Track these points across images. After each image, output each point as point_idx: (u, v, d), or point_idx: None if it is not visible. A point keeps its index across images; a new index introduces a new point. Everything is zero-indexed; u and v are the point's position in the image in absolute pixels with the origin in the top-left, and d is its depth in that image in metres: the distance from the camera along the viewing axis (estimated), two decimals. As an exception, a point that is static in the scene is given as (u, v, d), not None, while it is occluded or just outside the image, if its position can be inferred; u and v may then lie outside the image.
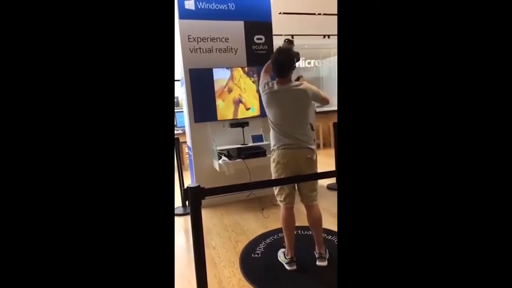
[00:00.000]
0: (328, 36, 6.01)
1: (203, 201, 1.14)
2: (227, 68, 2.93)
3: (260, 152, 2.90)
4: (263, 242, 2.17)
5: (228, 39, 2.97)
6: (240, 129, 3.01)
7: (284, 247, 1.90)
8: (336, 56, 5.92)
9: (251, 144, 3.01)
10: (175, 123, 4.88)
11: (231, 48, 3.00)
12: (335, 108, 5.24)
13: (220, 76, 2.91)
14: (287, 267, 1.80)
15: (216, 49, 2.95)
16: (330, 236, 2.15)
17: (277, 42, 3.43)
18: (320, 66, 7.02)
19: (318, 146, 6.03)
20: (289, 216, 1.81)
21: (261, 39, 3.09)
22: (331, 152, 4.48)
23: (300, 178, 1.77)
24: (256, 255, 2.01)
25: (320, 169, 1.77)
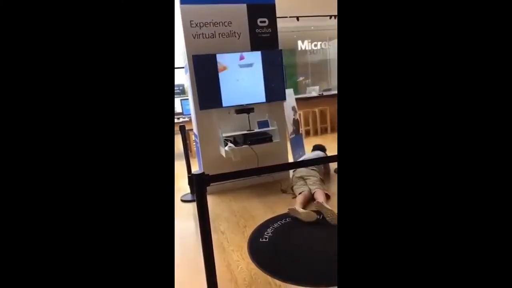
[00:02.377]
0: (335, 16, 5.84)
1: (211, 188, 1.16)
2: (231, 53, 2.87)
3: (266, 138, 2.88)
4: (270, 227, 2.19)
5: (231, 23, 2.91)
6: (245, 115, 2.98)
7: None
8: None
9: (257, 130, 2.99)
10: (182, 111, 4.91)
11: (234, 33, 2.93)
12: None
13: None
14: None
15: (219, 34, 2.89)
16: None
17: (282, 25, 3.35)
18: (327, 48, 6.85)
19: (326, 130, 5.98)
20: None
21: (264, 22, 3.01)
22: (339, 136, 4.46)
23: (307, 163, 1.76)
24: (264, 240, 2.03)
25: (329, 152, 1.76)
